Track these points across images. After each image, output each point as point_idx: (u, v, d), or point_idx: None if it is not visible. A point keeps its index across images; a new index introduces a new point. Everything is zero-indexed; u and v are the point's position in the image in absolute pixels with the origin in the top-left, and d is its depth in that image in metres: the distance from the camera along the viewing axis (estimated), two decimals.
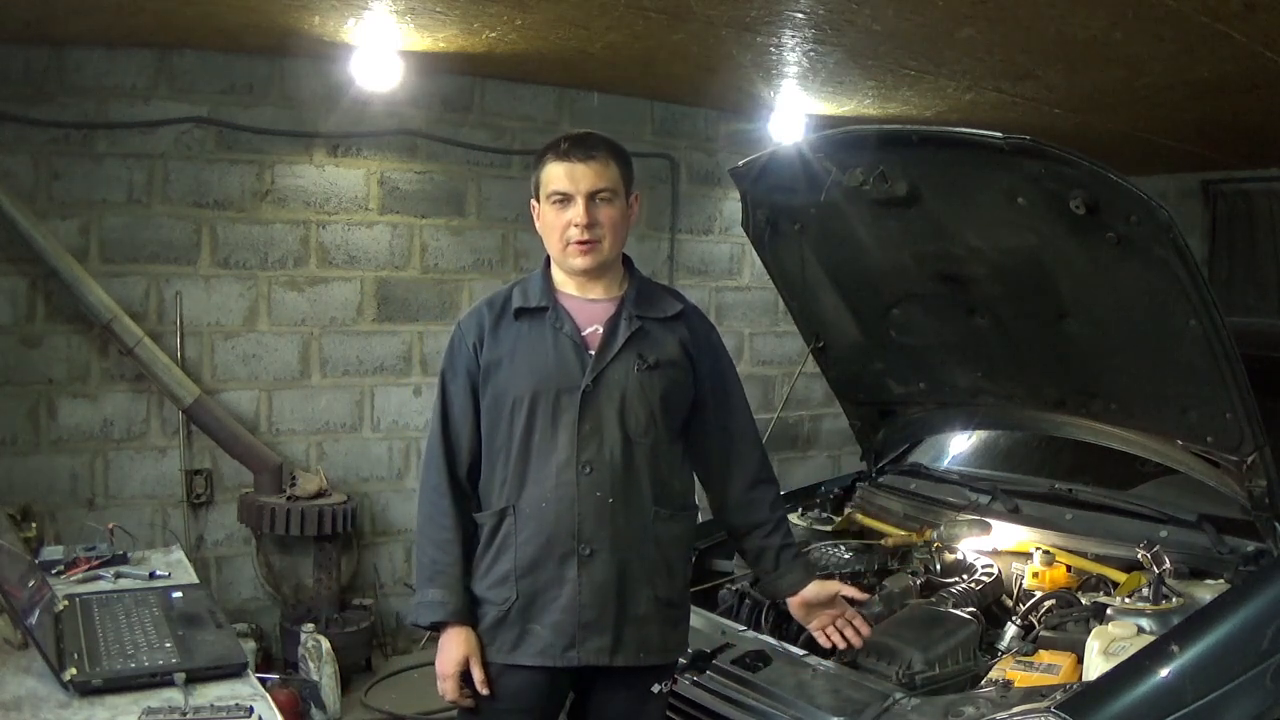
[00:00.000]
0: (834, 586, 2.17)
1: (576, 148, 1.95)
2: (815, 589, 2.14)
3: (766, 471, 2.16)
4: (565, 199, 1.95)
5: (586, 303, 2.02)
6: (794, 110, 4.79)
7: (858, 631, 2.15)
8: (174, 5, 3.39)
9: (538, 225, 2.04)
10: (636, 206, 2.06)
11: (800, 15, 3.28)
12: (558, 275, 2.05)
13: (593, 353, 1.97)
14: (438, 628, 2.01)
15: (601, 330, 1.99)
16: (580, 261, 1.97)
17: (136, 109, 4.00)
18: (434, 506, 2.06)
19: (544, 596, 1.95)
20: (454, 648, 1.97)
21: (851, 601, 2.20)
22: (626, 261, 2.09)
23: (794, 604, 2.17)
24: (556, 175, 1.96)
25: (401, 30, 3.65)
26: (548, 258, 2.06)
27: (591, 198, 1.94)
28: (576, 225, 1.94)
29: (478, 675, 1.96)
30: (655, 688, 2.04)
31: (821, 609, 2.15)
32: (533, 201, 2.04)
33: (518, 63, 4.21)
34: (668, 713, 2.15)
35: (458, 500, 2.04)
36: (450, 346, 2.07)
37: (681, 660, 2.16)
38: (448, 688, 1.97)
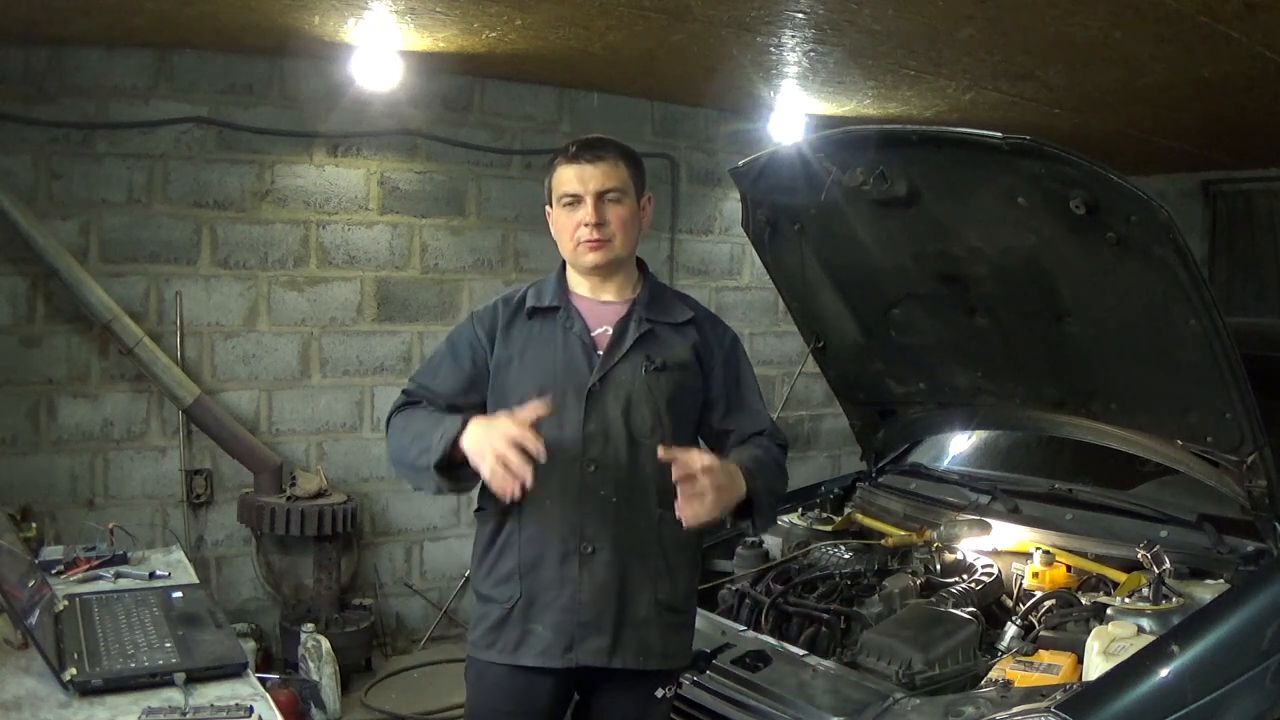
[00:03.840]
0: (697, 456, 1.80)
1: (585, 150, 1.97)
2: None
3: (775, 432, 2.08)
4: (575, 200, 1.97)
5: (598, 304, 2.03)
6: (794, 110, 4.79)
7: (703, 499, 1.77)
8: (174, 5, 3.39)
9: (552, 230, 2.05)
10: (649, 209, 2.07)
11: (800, 15, 3.28)
12: (572, 277, 2.07)
13: (601, 353, 1.98)
14: (454, 460, 1.85)
15: (611, 331, 2.00)
16: (591, 258, 1.98)
17: (136, 109, 4.00)
18: (400, 416, 2.00)
19: (545, 596, 1.95)
20: (485, 421, 1.82)
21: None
22: (641, 266, 2.10)
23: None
24: (567, 178, 1.98)
25: (401, 30, 3.65)
26: (564, 260, 2.07)
27: (600, 197, 1.96)
28: (586, 224, 1.96)
29: (525, 415, 1.77)
30: (659, 692, 2.04)
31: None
32: (546, 207, 2.06)
33: (518, 63, 4.21)
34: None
35: (429, 404, 2.00)
36: (459, 328, 2.09)
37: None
38: (512, 435, 1.74)
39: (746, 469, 1.91)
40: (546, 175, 2.04)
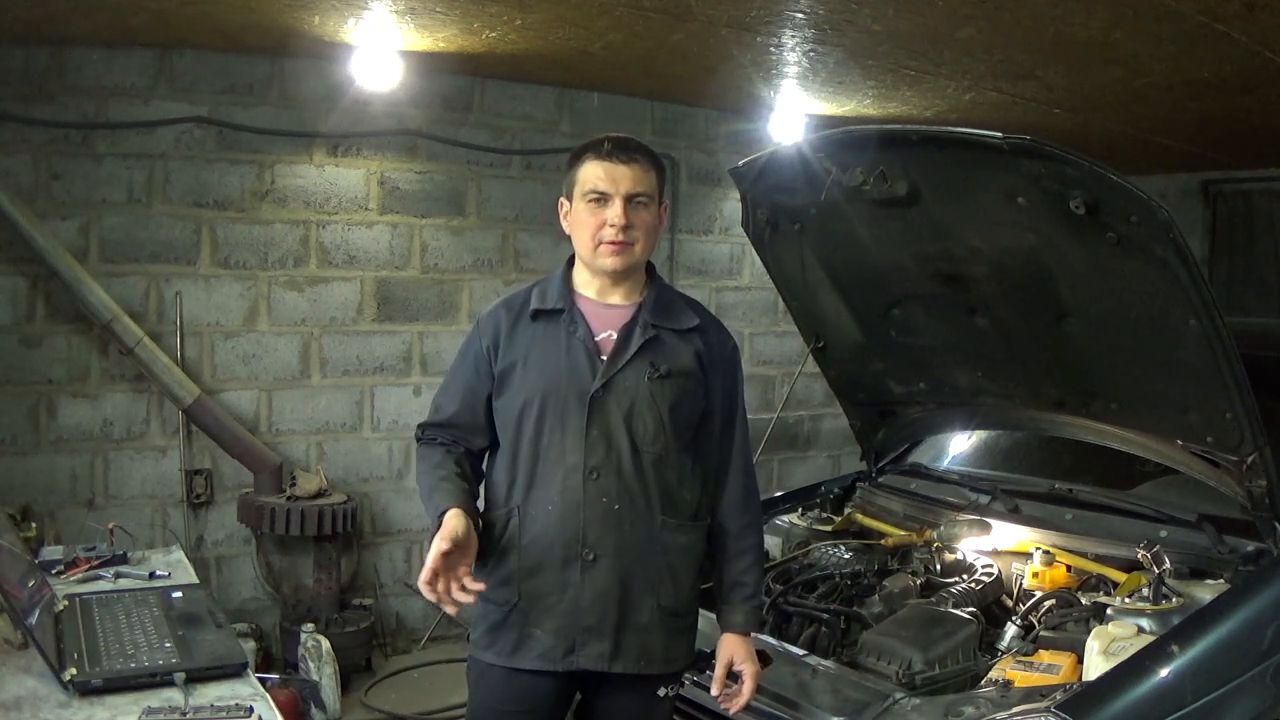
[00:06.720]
0: (728, 654, 2.03)
1: (619, 149, 1.95)
2: (722, 643, 2.04)
3: (750, 500, 2.09)
4: (602, 198, 1.94)
5: (604, 307, 2.01)
6: (794, 110, 4.79)
7: (734, 697, 2.02)
8: (174, 5, 3.39)
9: (565, 224, 2.03)
10: (665, 215, 2.06)
11: (800, 15, 3.28)
12: (579, 277, 2.05)
13: (605, 358, 1.96)
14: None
15: (615, 336, 1.98)
16: (611, 262, 1.96)
17: (136, 109, 4.00)
18: (424, 454, 2.09)
19: (545, 600, 1.95)
20: (449, 520, 1.85)
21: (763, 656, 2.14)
22: (649, 268, 2.08)
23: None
24: (596, 174, 1.95)
25: (401, 30, 3.65)
26: (569, 259, 2.06)
27: (629, 200, 1.94)
28: (613, 225, 1.93)
29: (446, 545, 1.80)
30: (661, 692, 2.04)
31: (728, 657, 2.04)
32: (562, 200, 2.03)
33: (518, 63, 4.21)
34: None
35: (442, 444, 2.07)
36: (468, 338, 2.10)
37: None
38: (430, 554, 1.80)
39: (757, 618, 2.10)
40: (570, 169, 2.00)
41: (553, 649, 1.94)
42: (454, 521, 1.85)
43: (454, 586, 1.81)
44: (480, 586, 1.84)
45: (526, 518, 1.97)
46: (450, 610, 1.85)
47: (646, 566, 1.96)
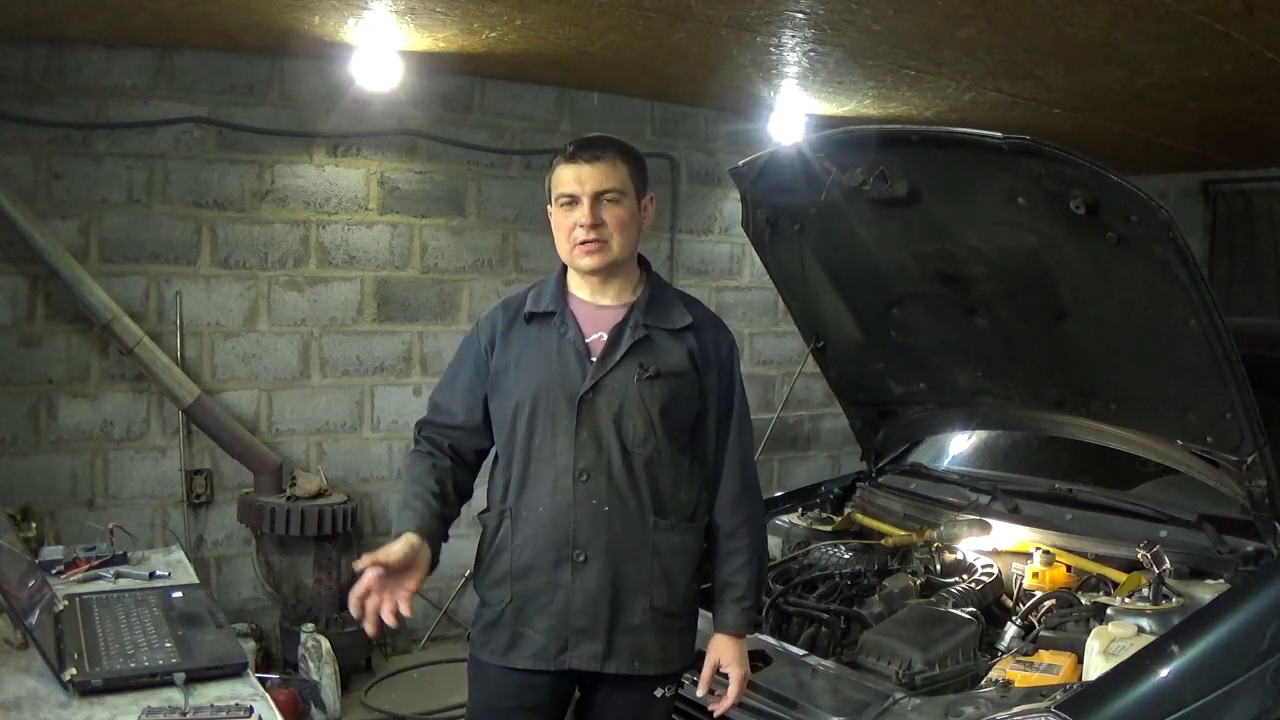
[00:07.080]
0: (716, 656, 2.02)
1: (583, 150, 1.96)
2: (712, 644, 2.04)
3: (745, 499, 2.07)
4: (572, 200, 1.95)
5: (596, 308, 2.02)
6: (794, 110, 4.79)
7: (720, 699, 2.01)
8: (174, 5, 3.39)
9: (553, 230, 2.04)
10: (651, 209, 2.05)
11: (800, 15, 3.28)
12: (572, 279, 2.05)
13: (594, 360, 1.96)
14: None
15: (606, 337, 1.98)
16: (587, 262, 1.96)
17: (136, 109, 4.00)
18: (411, 462, 2.09)
19: (537, 601, 1.95)
20: (399, 543, 1.90)
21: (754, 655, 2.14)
22: (645, 265, 2.08)
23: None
24: (565, 178, 1.96)
25: (401, 30, 3.65)
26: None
27: (597, 198, 1.94)
28: (582, 225, 1.94)
29: (376, 566, 1.84)
30: (659, 692, 2.04)
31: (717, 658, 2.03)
32: (548, 206, 2.04)
33: (518, 63, 4.21)
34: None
35: (431, 453, 2.07)
36: (467, 337, 2.11)
37: None
38: (364, 563, 1.86)
39: (748, 620, 2.05)
40: (547, 174, 2.02)
41: (545, 649, 1.95)
42: (400, 545, 1.88)
43: (386, 608, 1.82)
44: (407, 612, 1.84)
45: (519, 519, 1.97)
46: (369, 630, 1.86)
47: (638, 567, 1.95)
